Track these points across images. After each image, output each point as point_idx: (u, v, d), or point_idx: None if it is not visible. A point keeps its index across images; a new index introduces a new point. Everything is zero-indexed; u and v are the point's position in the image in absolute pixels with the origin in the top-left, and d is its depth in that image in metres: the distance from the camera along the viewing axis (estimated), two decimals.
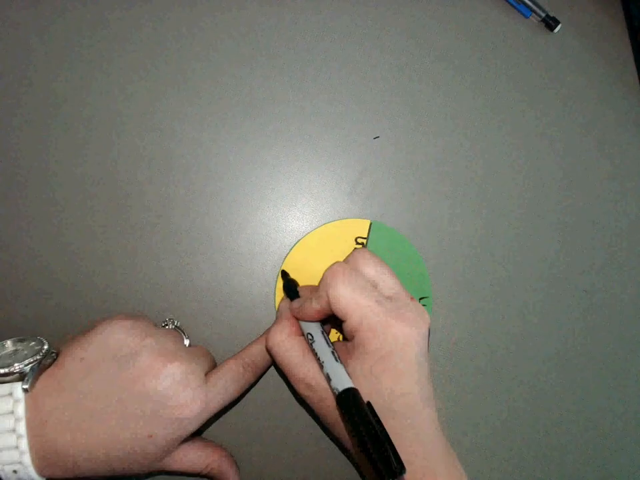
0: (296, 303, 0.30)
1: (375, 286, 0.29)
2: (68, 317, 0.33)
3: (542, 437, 0.35)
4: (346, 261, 0.30)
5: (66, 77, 0.35)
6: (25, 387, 0.25)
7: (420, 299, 0.35)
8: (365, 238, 0.35)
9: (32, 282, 0.34)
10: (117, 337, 0.28)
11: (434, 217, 0.36)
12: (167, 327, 0.33)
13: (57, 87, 0.35)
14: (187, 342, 0.32)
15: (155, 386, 0.27)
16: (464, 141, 0.36)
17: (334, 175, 0.36)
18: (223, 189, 0.35)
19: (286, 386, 0.34)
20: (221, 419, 0.34)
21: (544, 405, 0.35)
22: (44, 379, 0.26)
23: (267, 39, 0.36)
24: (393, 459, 0.22)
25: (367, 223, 0.35)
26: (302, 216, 0.35)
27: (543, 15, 0.38)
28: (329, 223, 0.35)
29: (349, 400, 0.25)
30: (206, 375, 0.29)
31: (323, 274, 0.29)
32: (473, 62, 0.37)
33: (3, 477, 0.25)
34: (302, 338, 0.30)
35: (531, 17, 0.38)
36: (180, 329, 0.33)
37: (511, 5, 0.38)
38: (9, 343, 0.28)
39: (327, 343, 0.28)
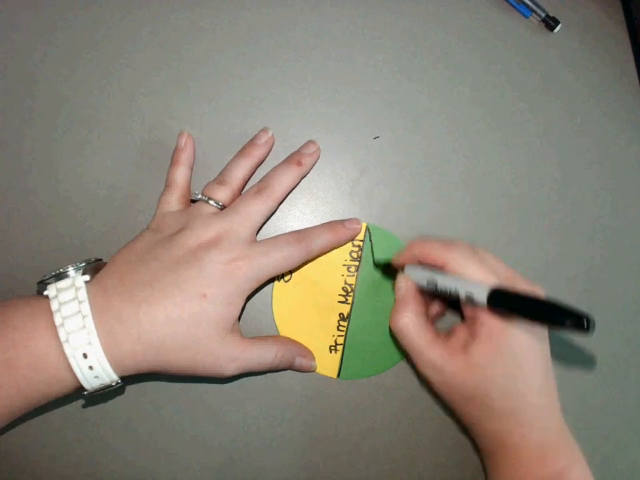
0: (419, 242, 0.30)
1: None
2: None
3: None
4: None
5: (66, 77, 0.35)
6: (86, 276, 0.28)
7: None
8: (361, 240, 0.35)
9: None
10: (152, 233, 0.30)
11: (434, 217, 0.36)
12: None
13: (57, 87, 0.35)
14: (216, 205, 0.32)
15: (200, 254, 0.28)
16: (464, 141, 0.36)
17: (334, 174, 0.36)
18: None
19: (286, 385, 0.34)
20: (221, 419, 0.34)
21: None
22: (102, 270, 0.29)
23: (267, 39, 0.36)
24: (577, 311, 0.22)
25: (363, 225, 0.35)
26: (302, 216, 0.35)
27: (543, 15, 0.38)
28: None
29: (501, 293, 0.25)
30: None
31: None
32: (472, 62, 0.37)
33: (77, 370, 0.26)
34: (426, 319, 0.30)
35: (530, 17, 0.38)
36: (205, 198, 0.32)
37: (511, 4, 0.38)
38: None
39: (446, 275, 0.28)
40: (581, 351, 0.36)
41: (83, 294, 0.27)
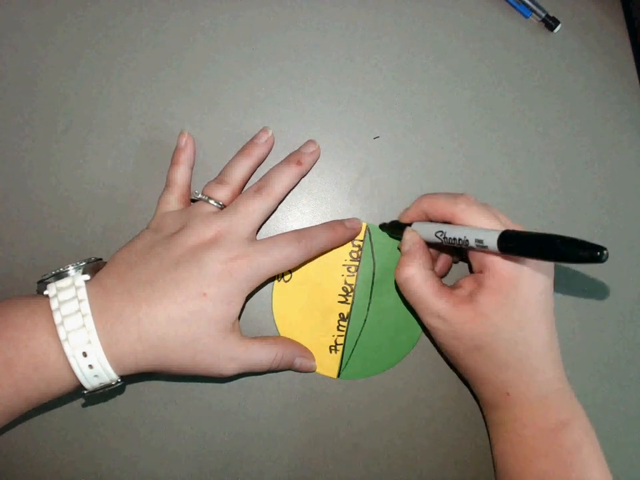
0: (427, 198, 0.31)
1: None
2: None
3: None
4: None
5: (66, 77, 0.35)
6: (86, 275, 0.28)
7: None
8: (361, 240, 0.35)
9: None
10: (151, 233, 0.31)
11: None
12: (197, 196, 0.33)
13: (57, 87, 0.35)
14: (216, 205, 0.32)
15: (199, 254, 0.28)
16: (464, 141, 0.36)
17: (334, 174, 0.36)
18: None
19: (286, 385, 0.34)
20: (221, 419, 0.34)
21: None
22: (102, 270, 0.29)
23: (267, 39, 0.36)
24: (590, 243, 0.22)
25: (363, 225, 0.35)
26: (302, 216, 0.35)
27: (543, 15, 0.38)
28: None
29: (512, 235, 0.25)
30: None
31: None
32: (472, 62, 0.37)
33: (77, 369, 0.26)
34: (433, 272, 0.30)
35: (530, 17, 0.38)
36: (205, 198, 0.32)
37: (511, 4, 0.38)
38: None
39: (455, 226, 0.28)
40: (582, 351, 0.36)
41: (82, 293, 0.27)
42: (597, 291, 0.36)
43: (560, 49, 0.38)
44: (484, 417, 0.33)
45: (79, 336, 0.26)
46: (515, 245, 0.25)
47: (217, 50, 0.36)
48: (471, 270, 0.31)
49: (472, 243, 0.27)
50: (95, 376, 0.27)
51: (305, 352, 0.34)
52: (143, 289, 0.28)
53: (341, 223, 0.34)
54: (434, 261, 0.33)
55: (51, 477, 0.33)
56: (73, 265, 0.28)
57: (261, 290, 0.34)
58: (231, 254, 0.29)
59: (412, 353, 0.35)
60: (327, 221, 0.34)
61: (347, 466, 0.34)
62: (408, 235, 0.31)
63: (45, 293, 0.27)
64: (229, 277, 0.28)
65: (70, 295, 0.27)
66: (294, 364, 0.33)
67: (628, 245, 0.37)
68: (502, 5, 0.38)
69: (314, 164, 0.35)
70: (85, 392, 0.28)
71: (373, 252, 0.35)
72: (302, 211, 0.35)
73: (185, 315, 0.28)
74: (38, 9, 0.36)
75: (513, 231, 0.25)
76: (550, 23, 0.38)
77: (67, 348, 0.26)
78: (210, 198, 0.31)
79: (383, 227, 0.35)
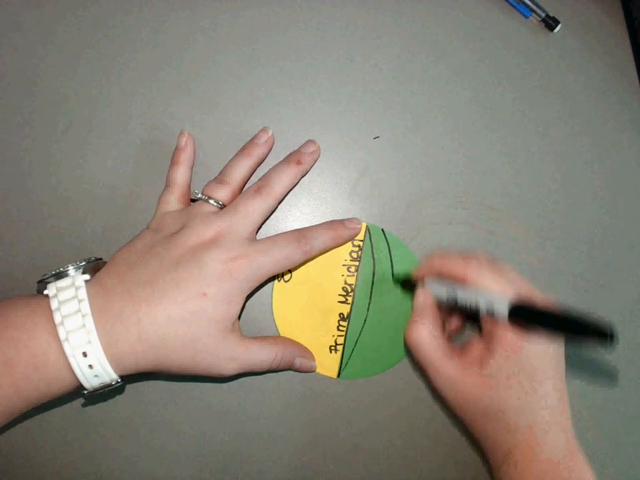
0: (438, 256, 0.31)
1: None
2: None
3: None
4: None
5: (66, 77, 0.35)
6: (86, 275, 0.28)
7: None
8: (361, 240, 0.35)
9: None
10: (151, 233, 0.30)
11: (433, 218, 0.36)
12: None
13: (57, 87, 0.35)
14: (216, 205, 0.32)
15: (199, 254, 0.28)
16: (464, 141, 0.36)
17: (334, 175, 0.36)
18: None
19: (286, 385, 0.34)
20: (220, 419, 0.34)
21: None
22: (102, 270, 0.29)
23: (267, 39, 0.36)
24: (600, 323, 0.22)
25: (362, 225, 0.35)
26: (302, 216, 0.35)
27: (543, 15, 0.38)
28: None
29: (523, 306, 0.25)
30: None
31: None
32: (472, 62, 0.37)
33: (77, 369, 0.26)
34: (442, 334, 0.30)
35: (530, 17, 0.38)
36: (205, 198, 0.32)
37: (511, 4, 0.38)
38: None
39: (467, 289, 0.29)
40: (581, 351, 0.36)
41: (82, 293, 0.27)
42: (597, 291, 0.36)
43: (560, 48, 0.38)
44: (490, 475, 0.32)
45: (79, 336, 0.26)
46: (526, 316, 0.25)
47: (217, 50, 0.36)
48: (480, 331, 0.31)
49: (482, 310, 0.27)
50: (95, 376, 0.27)
51: (305, 352, 0.34)
52: (143, 289, 0.28)
53: (341, 222, 0.34)
54: (447, 320, 0.33)
55: (50, 477, 0.33)
56: (72, 265, 0.28)
57: (261, 290, 0.34)
58: (231, 254, 0.29)
59: None
60: (327, 220, 0.34)
61: (347, 466, 0.34)
62: (421, 296, 0.31)
63: (45, 292, 0.27)
64: (229, 276, 0.28)
65: (70, 295, 0.27)
66: (294, 364, 0.33)
67: (628, 245, 0.37)
68: (502, 5, 0.38)
69: (314, 164, 0.35)
70: (85, 392, 0.28)
71: (373, 252, 0.35)
72: (302, 211, 0.35)
73: (185, 315, 0.28)
74: (38, 9, 0.36)
75: (525, 303, 0.25)
76: (550, 23, 0.38)
77: (66, 348, 0.26)
78: (210, 198, 0.31)
79: (396, 280, 0.34)
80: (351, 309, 0.34)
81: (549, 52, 0.38)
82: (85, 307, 0.26)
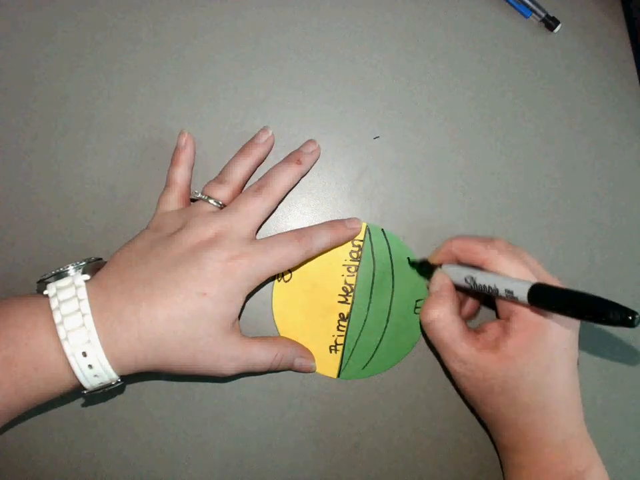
0: (458, 241, 0.31)
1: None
2: None
3: None
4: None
5: (66, 77, 0.35)
6: (86, 275, 0.28)
7: (417, 301, 0.35)
8: (361, 240, 0.35)
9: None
10: (152, 232, 0.30)
11: (434, 217, 0.36)
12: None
13: (57, 87, 0.35)
14: (216, 205, 0.32)
15: (199, 253, 0.28)
16: (464, 141, 0.36)
17: (334, 175, 0.36)
18: None
19: (286, 385, 0.34)
20: (221, 419, 0.34)
21: None
22: (102, 269, 0.29)
23: (267, 39, 0.36)
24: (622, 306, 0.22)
25: (363, 225, 0.35)
26: (302, 216, 0.35)
27: (543, 15, 0.38)
28: None
29: (542, 289, 0.25)
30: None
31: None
32: (472, 62, 0.37)
33: (76, 369, 0.26)
34: (459, 316, 0.30)
35: (530, 17, 0.38)
36: (204, 197, 0.32)
37: (511, 4, 0.38)
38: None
39: (485, 272, 0.29)
40: (582, 350, 0.36)
41: (82, 292, 0.27)
42: (597, 291, 0.36)
43: (560, 48, 0.38)
44: (500, 461, 0.32)
45: (79, 335, 0.26)
46: (545, 300, 0.25)
47: (217, 50, 0.36)
48: (497, 315, 0.31)
49: (502, 293, 0.27)
50: (95, 375, 0.27)
51: (305, 352, 0.34)
52: (143, 289, 0.28)
53: (341, 222, 0.34)
54: (461, 304, 0.33)
55: (51, 477, 0.33)
56: (72, 265, 0.28)
57: (261, 290, 0.34)
58: (231, 253, 0.29)
59: (412, 353, 0.35)
60: (327, 220, 0.34)
61: (347, 466, 0.34)
62: (438, 276, 0.31)
63: (45, 292, 0.27)
64: (229, 276, 0.28)
65: (70, 295, 0.27)
66: (293, 364, 0.33)
67: (628, 245, 0.37)
68: (502, 5, 0.38)
69: (314, 164, 0.35)
70: (85, 392, 0.28)
71: (373, 252, 0.35)
72: (302, 211, 0.35)
73: (185, 315, 0.28)
74: (38, 9, 0.36)
75: (544, 286, 0.25)
76: (550, 23, 0.38)
77: (66, 347, 0.26)
78: (210, 197, 0.31)
79: (413, 264, 0.35)
80: (351, 309, 0.34)
81: (549, 52, 0.38)
82: (85, 306, 0.26)
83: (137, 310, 0.27)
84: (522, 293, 0.26)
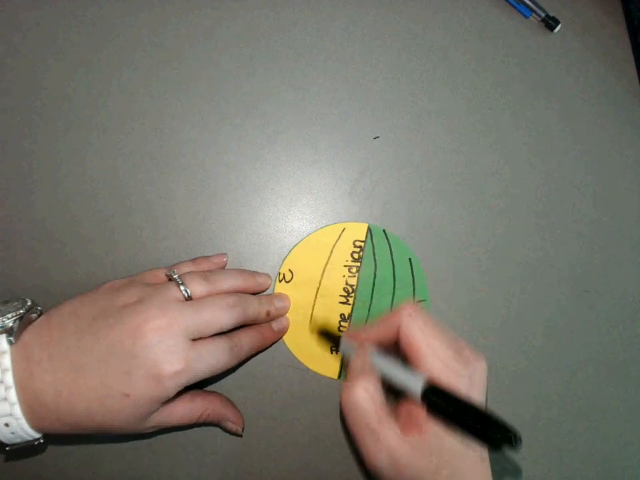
0: (365, 330, 0.30)
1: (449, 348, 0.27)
2: None
3: (543, 436, 0.35)
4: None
5: (67, 78, 0.35)
6: (10, 338, 0.26)
7: (417, 302, 0.35)
8: (362, 241, 0.35)
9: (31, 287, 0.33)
10: (107, 296, 0.28)
11: (434, 217, 0.36)
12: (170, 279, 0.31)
13: (58, 87, 0.35)
14: (185, 293, 0.30)
15: (138, 345, 0.26)
16: (463, 141, 0.36)
17: (334, 175, 0.36)
18: (223, 189, 0.35)
19: (286, 386, 0.34)
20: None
21: (544, 405, 0.35)
22: (33, 329, 0.27)
23: (267, 39, 0.36)
24: (505, 424, 0.22)
25: (364, 226, 0.35)
26: (302, 216, 0.35)
27: (543, 15, 0.38)
28: (326, 226, 0.35)
29: (436, 391, 0.24)
30: (196, 340, 0.28)
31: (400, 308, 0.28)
32: (472, 62, 0.37)
33: None
34: (379, 399, 0.27)
35: (531, 17, 0.38)
36: (180, 282, 0.30)
37: (511, 4, 0.38)
38: None
39: (389, 358, 0.27)
40: (582, 350, 0.36)
41: (7, 361, 0.26)
42: (597, 291, 0.36)
43: (560, 48, 0.38)
44: None
45: (2, 407, 0.25)
46: (435, 406, 0.24)
47: (217, 50, 0.36)
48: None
49: (399, 382, 0.26)
50: (12, 433, 0.26)
51: (235, 416, 0.33)
52: (67, 374, 0.26)
53: (268, 326, 0.33)
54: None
55: (51, 477, 0.33)
56: (1, 317, 0.26)
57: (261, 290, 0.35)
58: (171, 357, 0.27)
59: None
60: (327, 220, 0.34)
61: (347, 466, 0.34)
62: (360, 357, 0.28)
63: None
64: (159, 384, 0.27)
65: None
66: (221, 424, 0.32)
67: (628, 245, 0.37)
68: (502, 5, 0.38)
69: (281, 336, 0.34)
70: (7, 448, 0.27)
71: (374, 253, 0.35)
72: (302, 211, 0.35)
73: (102, 411, 0.27)
74: (38, 9, 0.36)
75: (437, 390, 0.24)
76: (550, 22, 0.38)
77: None
78: (184, 284, 0.29)
79: (316, 330, 0.34)
80: (352, 310, 0.34)
81: (549, 52, 0.38)
82: (8, 378, 0.25)
83: (57, 396, 0.26)
84: (416, 390, 0.25)
